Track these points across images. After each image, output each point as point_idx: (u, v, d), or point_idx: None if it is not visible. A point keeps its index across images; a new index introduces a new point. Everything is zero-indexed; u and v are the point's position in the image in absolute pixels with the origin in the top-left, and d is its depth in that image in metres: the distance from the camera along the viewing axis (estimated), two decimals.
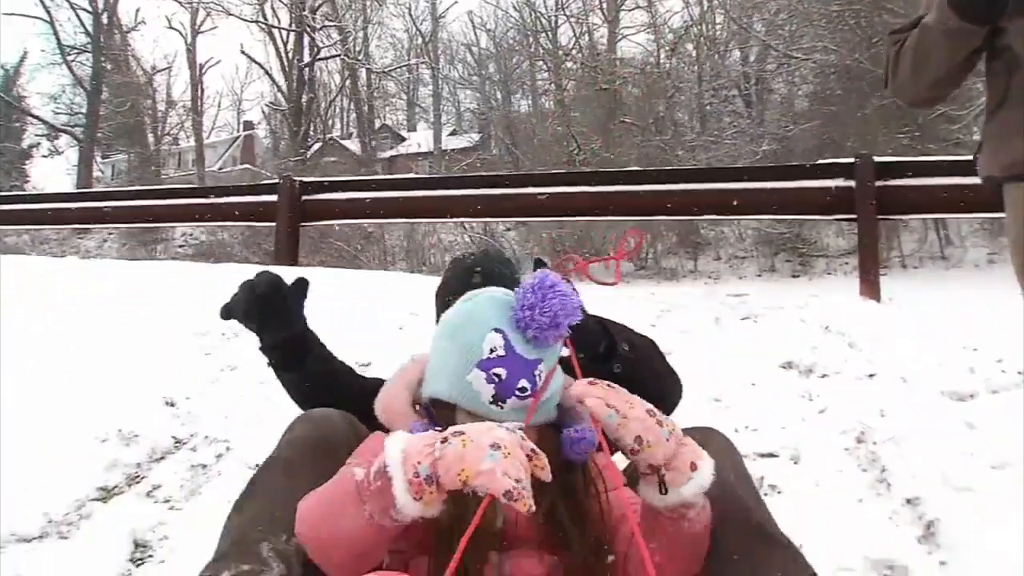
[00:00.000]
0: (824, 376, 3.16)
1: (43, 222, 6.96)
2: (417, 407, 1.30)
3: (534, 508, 0.99)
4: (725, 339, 3.54)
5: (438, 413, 1.25)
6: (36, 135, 28.90)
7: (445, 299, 1.74)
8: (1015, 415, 2.74)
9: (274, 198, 5.55)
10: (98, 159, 30.43)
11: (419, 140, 32.63)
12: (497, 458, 1.00)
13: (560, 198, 5.23)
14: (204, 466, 2.71)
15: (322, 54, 28.27)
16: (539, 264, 1.37)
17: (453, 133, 32.03)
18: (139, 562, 2.16)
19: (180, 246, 24.01)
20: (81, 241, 24.09)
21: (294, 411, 3.00)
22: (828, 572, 2.08)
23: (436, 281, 2.01)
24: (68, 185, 28.31)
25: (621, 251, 1.59)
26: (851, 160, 4.58)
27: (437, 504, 1.06)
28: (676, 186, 5.00)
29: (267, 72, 29.90)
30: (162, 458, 2.77)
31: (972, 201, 4.44)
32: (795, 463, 2.62)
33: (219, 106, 41.13)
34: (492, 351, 1.22)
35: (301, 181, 5.62)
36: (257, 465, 2.68)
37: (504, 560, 1.14)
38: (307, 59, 27.86)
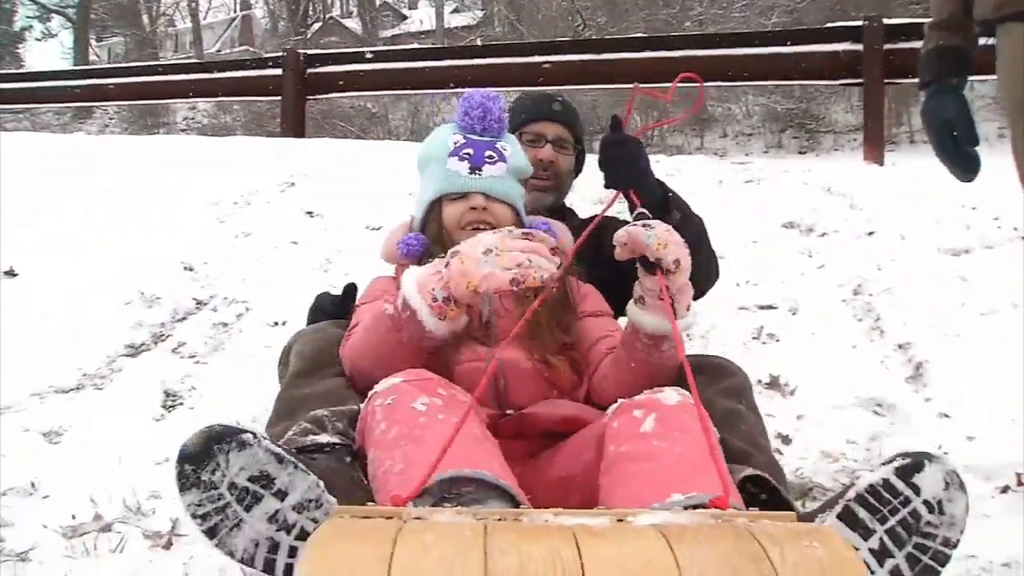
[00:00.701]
0: (824, 235, 3.23)
1: (44, 101, 6.92)
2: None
3: (554, 275, 1.11)
4: (728, 200, 3.60)
5: (427, 229, 1.45)
6: (28, 17, 28.18)
7: (517, 122, 1.83)
8: (1007, 268, 2.82)
9: (279, 72, 5.51)
10: (93, 42, 29.74)
11: (421, 18, 31.75)
12: (492, 261, 1.13)
13: (565, 66, 5.18)
14: (225, 324, 2.83)
15: None
16: (615, 122, 1.42)
17: (456, 11, 31.09)
18: (171, 408, 2.30)
19: (183, 129, 23.77)
20: (82, 125, 23.87)
21: (306, 273, 3.11)
22: (822, 410, 2.22)
23: None
24: None
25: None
26: (859, 23, 4.51)
27: (461, 317, 1.20)
28: (683, 52, 4.94)
29: None
30: (184, 318, 2.89)
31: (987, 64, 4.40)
32: (793, 314, 2.73)
33: None
34: (455, 143, 1.44)
35: (305, 54, 5.57)
36: (276, 323, 2.81)
37: (495, 352, 1.26)
38: None
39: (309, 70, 5.57)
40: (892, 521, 0.97)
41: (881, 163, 4.41)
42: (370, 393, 1.15)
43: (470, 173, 1.42)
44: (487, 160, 1.43)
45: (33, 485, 1.70)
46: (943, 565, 0.97)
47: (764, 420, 1.33)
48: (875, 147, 4.45)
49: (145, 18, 29.45)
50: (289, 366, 1.34)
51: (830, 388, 2.29)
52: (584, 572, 0.65)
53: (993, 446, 1.84)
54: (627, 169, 1.39)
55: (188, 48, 33.07)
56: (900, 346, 2.44)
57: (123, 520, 1.54)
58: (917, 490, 0.97)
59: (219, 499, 0.94)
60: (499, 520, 0.78)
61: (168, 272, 3.14)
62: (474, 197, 1.40)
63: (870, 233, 3.20)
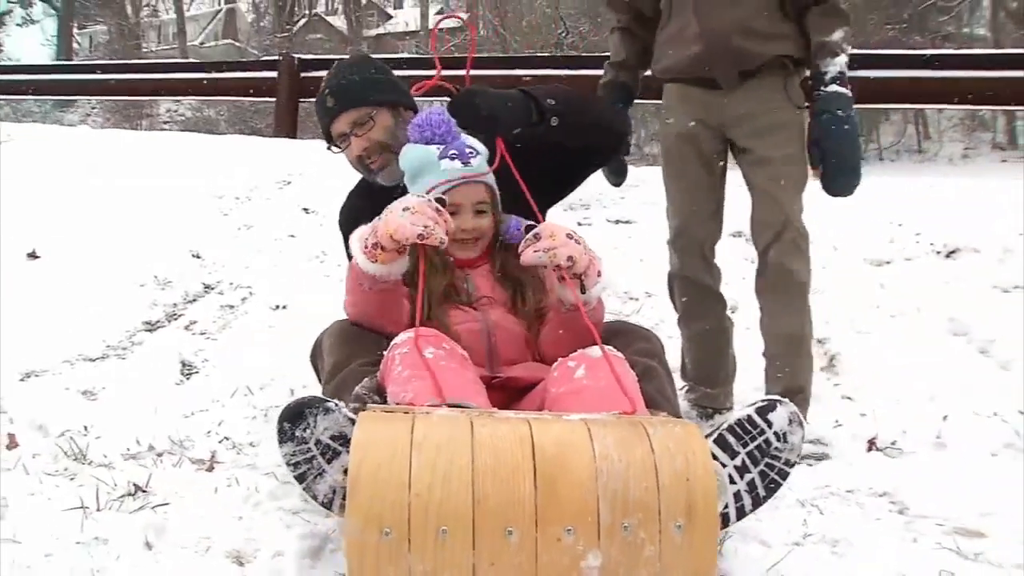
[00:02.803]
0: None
1: (45, 93, 7.21)
2: None
3: (445, 241, 1.49)
4: None
5: None
6: (9, 2, 28.12)
7: (325, 133, 2.07)
8: (919, 278, 3.24)
9: (274, 74, 5.85)
10: (75, 30, 29.72)
11: (405, 18, 32.01)
12: (407, 216, 1.48)
13: (543, 80, 5.56)
14: (232, 306, 3.17)
15: None
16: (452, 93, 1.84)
17: (440, 12, 31.39)
18: (188, 375, 2.64)
19: (165, 122, 23.87)
20: (64, 114, 23.93)
21: (303, 263, 3.45)
22: (746, 392, 2.60)
23: None
24: (45, 56, 27.80)
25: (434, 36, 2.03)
26: None
27: (396, 261, 1.55)
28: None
29: None
30: (194, 300, 3.23)
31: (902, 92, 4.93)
32: (732, 312, 3.11)
33: None
34: (439, 150, 1.74)
35: (300, 58, 5.92)
36: (278, 307, 3.15)
37: (484, 312, 1.67)
38: None
39: (303, 73, 5.91)
40: (751, 446, 1.36)
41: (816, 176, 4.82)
42: (391, 344, 1.50)
43: (465, 165, 1.75)
44: (467, 152, 1.76)
45: (85, 428, 2.04)
46: (784, 479, 1.37)
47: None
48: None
49: (128, 8, 29.54)
50: (325, 357, 1.65)
51: (754, 372, 2.66)
52: (533, 439, 1.05)
53: (876, 420, 2.23)
54: (480, 123, 1.75)
55: (172, 39, 33.10)
56: (819, 340, 2.84)
57: (171, 452, 1.88)
58: (770, 424, 1.36)
59: (308, 452, 1.29)
60: (479, 414, 1.17)
61: (178, 259, 3.48)
62: (474, 189, 1.75)
63: None
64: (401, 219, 1.49)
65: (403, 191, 1.81)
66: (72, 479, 1.63)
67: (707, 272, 2.28)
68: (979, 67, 5.17)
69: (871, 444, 2.05)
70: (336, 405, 1.31)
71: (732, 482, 1.36)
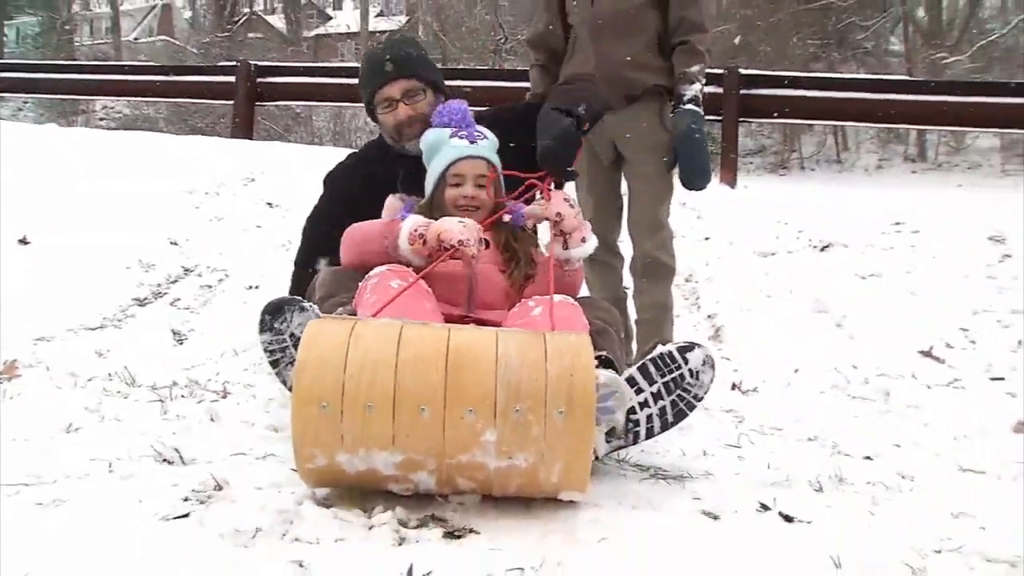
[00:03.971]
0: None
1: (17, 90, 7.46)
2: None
3: (476, 257, 1.85)
4: None
5: (418, 208, 2.09)
6: None
7: (369, 94, 2.29)
8: (797, 267, 3.88)
9: (231, 79, 6.27)
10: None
11: (345, 20, 32.10)
12: (459, 227, 1.83)
13: (485, 90, 6.09)
14: (210, 286, 3.63)
15: None
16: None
17: (380, 15, 31.60)
18: (180, 341, 3.09)
19: (101, 119, 23.68)
20: None
21: (271, 250, 3.92)
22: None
23: None
24: None
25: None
26: (721, 71, 5.59)
27: (420, 255, 1.88)
28: None
29: None
30: (176, 281, 3.68)
31: (827, 108, 5.61)
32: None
33: None
34: (452, 132, 2.04)
35: (256, 65, 6.35)
36: (251, 287, 3.61)
37: (474, 263, 1.91)
38: None
39: (259, 79, 6.35)
40: (667, 377, 1.75)
41: (733, 185, 5.48)
42: (365, 276, 1.84)
43: (472, 143, 2.03)
44: (478, 138, 2.05)
45: (109, 375, 2.49)
46: (691, 411, 1.77)
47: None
48: (729, 172, 5.53)
49: (59, 0, 29.08)
50: (316, 292, 1.97)
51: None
52: (449, 340, 1.51)
53: (743, 373, 2.82)
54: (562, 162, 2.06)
55: (105, 34, 32.69)
56: (709, 316, 3.44)
57: (190, 391, 2.35)
58: (687, 361, 1.75)
59: (283, 342, 1.71)
60: (410, 323, 1.58)
61: (158, 245, 3.91)
62: (476, 163, 2.01)
63: (706, 238, 4.22)
64: (454, 227, 1.83)
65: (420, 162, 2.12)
66: (126, 398, 2.11)
67: (611, 256, 2.84)
68: (894, 91, 5.90)
69: (734, 385, 2.64)
70: (310, 306, 1.68)
71: (646, 406, 1.74)
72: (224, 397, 2.22)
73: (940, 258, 3.90)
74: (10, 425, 1.80)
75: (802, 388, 2.64)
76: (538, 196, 2.05)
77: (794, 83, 5.89)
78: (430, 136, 2.10)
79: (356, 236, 2.02)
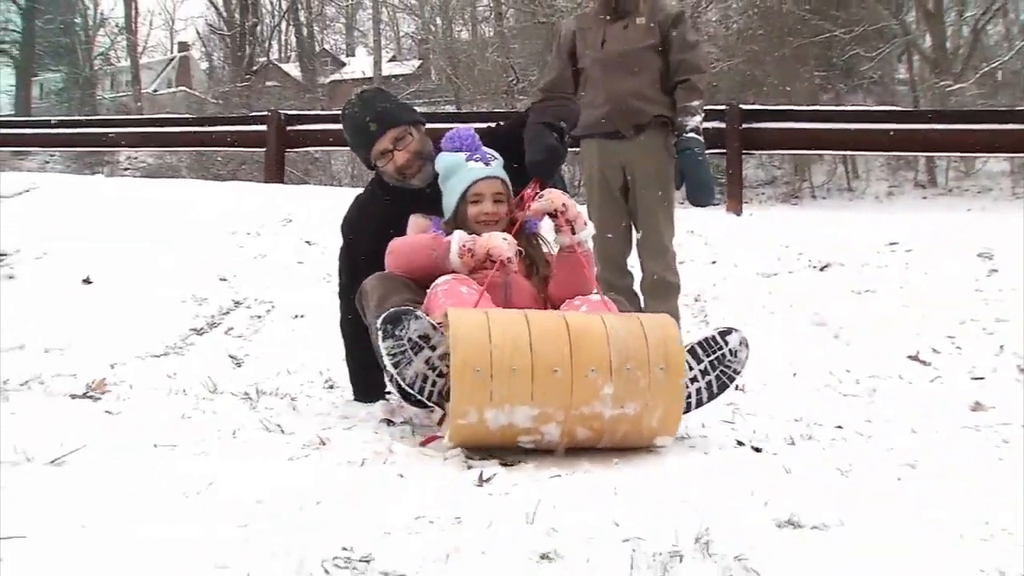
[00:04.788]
0: (681, 263, 4.53)
1: (59, 145, 7.91)
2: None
3: (515, 268, 2.18)
4: None
5: (444, 225, 2.38)
6: None
7: (364, 153, 2.53)
8: (797, 286, 4.19)
9: (262, 128, 6.70)
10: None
11: (359, 65, 32.75)
12: (505, 243, 2.14)
13: None
14: (259, 316, 3.98)
15: None
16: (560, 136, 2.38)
17: (393, 59, 32.25)
18: (238, 364, 3.42)
19: (125, 169, 24.33)
20: (22, 162, 24.27)
21: (312, 283, 4.27)
22: None
23: None
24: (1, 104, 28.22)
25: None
26: (723, 107, 5.96)
27: (468, 266, 2.19)
28: None
29: None
30: (228, 312, 4.03)
31: (825, 139, 5.93)
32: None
33: (151, 25, 40.25)
34: (466, 156, 2.33)
35: (286, 114, 6.78)
36: (297, 316, 3.94)
37: (510, 283, 2.23)
38: None
39: (288, 127, 6.77)
40: (712, 356, 2.09)
41: (739, 213, 5.81)
42: (433, 284, 2.14)
43: (486, 164, 2.33)
44: (487, 156, 2.34)
45: (186, 390, 2.82)
46: (731, 383, 2.12)
47: None
48: (735, 201, 5.86)
49: (80, 56, 29.98)
50: (370, 295, 2.22)
51: None
52: (565, 320, 1.88)
53: (745, 377, 3.12)
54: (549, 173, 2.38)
55: (126, 87, 33.61)
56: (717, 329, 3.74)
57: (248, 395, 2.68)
58: (727, 343, 2.11)
59: (402, 347, 1.88)
60: (526, 311, 1.94)
61: (209, 281, 4.27)
62: (493, 183, 2.31)
63: (713, 262, 4.54)
64: (501, 244, 2.14)
65: (433, 190, 2.42)
66: (213, 401, 2.44)
67: (621, 277, 3.17)
68: (901, 120, 6.23)
69: (736, 386, 2.94)
70: (423, 316, 1.90)
71: (696, 380, 2.07)
72: (294, 399, 2.56)
73: (931, 273, 4.20)
74: (123, 421, 2.12)
75: (797, 387, 2.94)
76: (539, 194, 2.28)
77: (792, 116, 6.25)
78: (447, 160, 2.37)
79: (404, 248, 2.32)
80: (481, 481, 1.66)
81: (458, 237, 2.24)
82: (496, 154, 2.40)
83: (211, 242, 4.73)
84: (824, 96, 16.89)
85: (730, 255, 4.61)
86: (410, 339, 1.90)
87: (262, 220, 5.09)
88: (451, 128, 2.44)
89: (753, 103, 7.69)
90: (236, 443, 1.87)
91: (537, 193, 2.29)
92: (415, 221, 2.42)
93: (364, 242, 2.65)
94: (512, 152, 2.41)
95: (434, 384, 1.94)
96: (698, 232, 4.99)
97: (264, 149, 6.69)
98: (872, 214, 8.44)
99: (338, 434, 1.99)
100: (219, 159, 19.07)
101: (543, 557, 1.27)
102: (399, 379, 1.92)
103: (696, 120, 2.98)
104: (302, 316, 3.90)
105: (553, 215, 2.23)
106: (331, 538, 1.30)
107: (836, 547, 1.32)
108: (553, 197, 2.22)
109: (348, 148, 2.87)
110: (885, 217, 6.09)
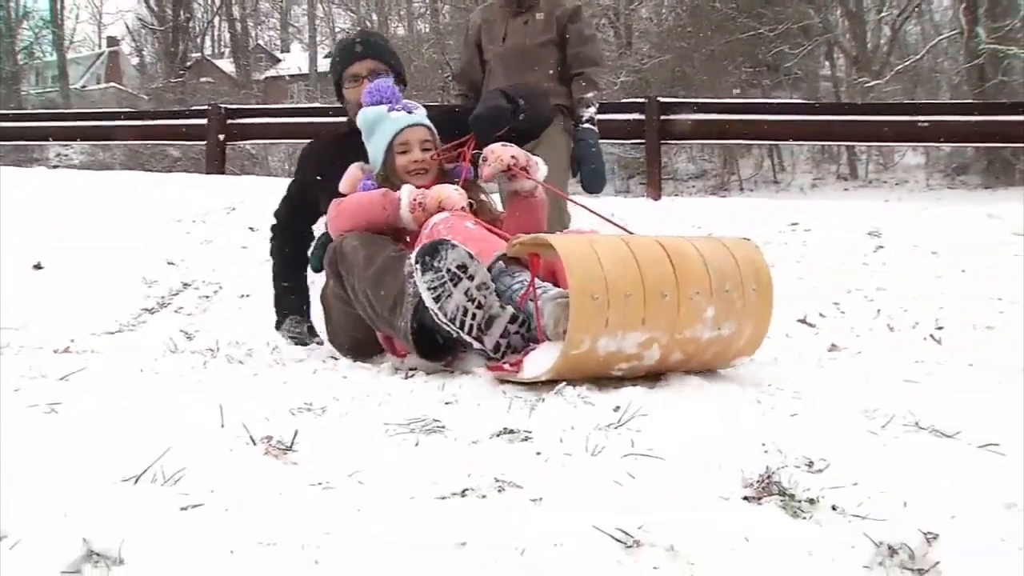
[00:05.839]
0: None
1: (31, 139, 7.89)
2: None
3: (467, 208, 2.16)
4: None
5: (376, 178, 2.37)
6: None
7: (338, 72, 2.58)
8: None
9: (203, 121, 6.89)
10: None
11: (294, 61, 32.56)
12: (456, 195, 2.15)
13: None
14: (207, 297, 4.22)
15: None
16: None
17: (328, 55, 32.08)
18: (189, 337, 3.67)
19: (55, 165, 23.85)
20: None
21: (256, 266, 4.51)
22: None
23: None
24: None
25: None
26: (642, 100, 6.37)
27: (419, 221, 2.15)
28: None
29: None
30: (177, 293, 4.26)
31: (738, 130, 6.39)
32: None
33: (77, 19, 39.28)
34: (387, 108, 2.33)
35: (227, 108, 6.98)
36: (243, 295, 4.20)
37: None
38: None
39: (228, 120, 6.97)
40: None
41: (657, 199, 6.23)
42: (429, 222, 2.11)
43: (409, 115, 2.33)
44: (413, 108, 2.35)
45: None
46: None
47: None
48: (654, 189, 6.27)
49: (3, 50, 29.17)
50: (350, 256, 2.15)
51: None
52: (660, 242, 1.86)
53: None
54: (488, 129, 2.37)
55: (52, 82, 32.78)
56: None
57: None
58: None
59: (442, 278, 1.78)
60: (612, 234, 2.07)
61: (157, 265, 4.49)
62: (418, 130, 2.31)
63: None
64: (454, 194, 2.15)
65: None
66: (177, 355, 2.71)
67: None
68: (811, 112, 6.73)
69: None
70: (459, 245, 1.83)
71: None
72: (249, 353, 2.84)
73: (825, 249, 4.65)
74: (105, 360, 2.38)
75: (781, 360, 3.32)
76: (483, 165, 2.28)
77: (708, 108, 6.69)
78: (368, 113, 2.35)
79: (353, 207, 2.28)
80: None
81: (407, 191, 2.22)
82: (418, 104, 2.41)
83: (158, 229, 4.94)
84: (752, 91, 17.51)
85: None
86: (448, 269, 1.81)
87: (207, 208, 5.31)
88: None
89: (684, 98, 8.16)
90: (207, 373, 2.16)
91: (472, 149, 2.33)
92: (352, 172, 2.41)
93: (310, 173, 2.80)
94: (450, 134, 2.43)
95: (474, 317, 1.84)
96: (617, 217, 5.36)
97: (204, 143, 6.88)
98: (790, 203, 8.96)
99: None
100: (154, 156, 18.97)
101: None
102: (440, 314, 1.83)
103: (591, 111, 3.33)
104: (248, 295, 4.15)
105: (507, 169, 2.23)
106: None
107: None
108: (499, 155, 2.21)
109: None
110: (792, 203, 6.57)
